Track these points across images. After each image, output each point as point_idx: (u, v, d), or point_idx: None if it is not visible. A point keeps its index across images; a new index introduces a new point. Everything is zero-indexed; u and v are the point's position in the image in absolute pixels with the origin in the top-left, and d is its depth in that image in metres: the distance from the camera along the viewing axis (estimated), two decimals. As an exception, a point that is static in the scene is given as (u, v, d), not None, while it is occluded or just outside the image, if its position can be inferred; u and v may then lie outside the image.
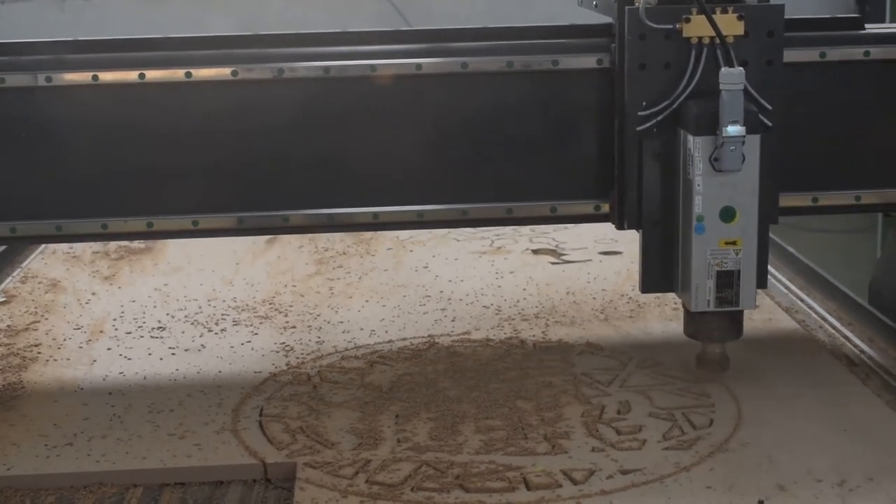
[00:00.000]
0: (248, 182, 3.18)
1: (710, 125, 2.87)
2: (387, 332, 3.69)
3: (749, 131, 2.86)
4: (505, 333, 3.62)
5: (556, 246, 4.63)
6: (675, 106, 2.96)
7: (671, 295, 3.30)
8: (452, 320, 3.76)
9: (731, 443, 2.82)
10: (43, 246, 4.75)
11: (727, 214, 2.91)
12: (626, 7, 2.97)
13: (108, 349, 3.61)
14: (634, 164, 3.03)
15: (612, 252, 4.51)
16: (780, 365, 3.31)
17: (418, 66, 3.13)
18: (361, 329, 3.72)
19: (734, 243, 2.92)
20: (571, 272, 4.28)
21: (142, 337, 3.72)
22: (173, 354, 3.55)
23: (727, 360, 3.18)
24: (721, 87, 2.86)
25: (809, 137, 3.17)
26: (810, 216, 3.32)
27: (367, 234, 4.84)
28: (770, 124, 2.97)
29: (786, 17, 3.06)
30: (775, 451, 2.77)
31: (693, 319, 3.09)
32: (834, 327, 3.66)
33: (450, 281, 4.19)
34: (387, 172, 3.19)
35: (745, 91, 2.89)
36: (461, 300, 3.98)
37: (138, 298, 4.11)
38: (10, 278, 4.39)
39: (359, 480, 2.68)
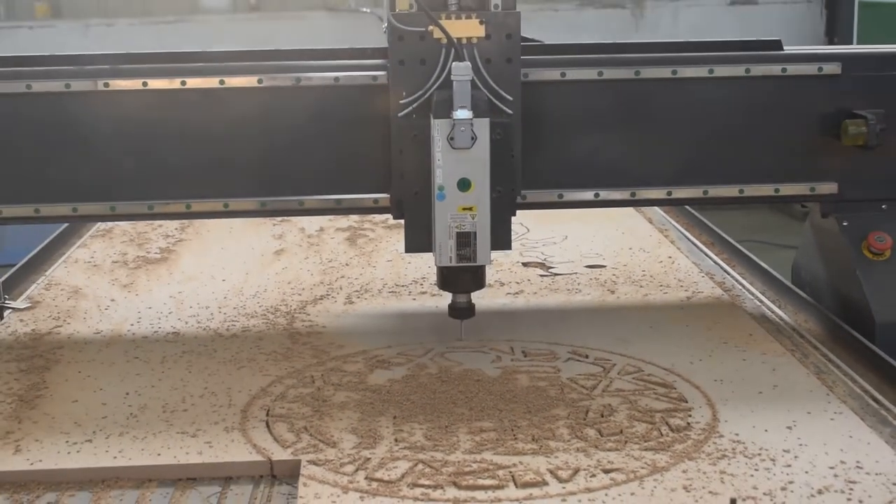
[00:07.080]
0: (270, 171, 3.72)
1: (446, 110, 3.36)
2: (386, 338, 3.82)
3: (477, 115, 3.34)
4: (496, 341, 3.76)
5: (545, 259, 4.79)
6: (427, 95, 3.49)
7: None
8: (447, 328, 3.86)
9: (707, 446, 2.97)
10: (66, 255, 4.93)
11: (463, 185, 3.39)
12: (390, 13, 3.50)
13: (126, 352, 3.76)
14: (400, 145, 3.54)
15: (597, 266, 4.68)
16: (752, 370, 3.46)
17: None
18: (363, 335, 3.86)
19: (470, 209, 3.41)
20: (560, 283, 4.43)
21: (157, 341, 3.87)
22: (186, 358, 3.69)
23: (473, 308, 3.71)
24: (453, 78, 3.36)
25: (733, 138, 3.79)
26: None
27: (369, 247, 5.00)
28: (510, 112, 3.51)
29: (722, 39, 3.81)
30: (747, 453, 2.92)
31: (442, 274, 3.63)
32: (802, 335, 3.79)
33: (445, 291, 4.32)
34: (382, 164, 3.67)
35: (486, 83, 3.48)
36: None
37: (154, 305, 4.26)
38: (34, 285, 4.54)
39: (359, 477, 2.82)
